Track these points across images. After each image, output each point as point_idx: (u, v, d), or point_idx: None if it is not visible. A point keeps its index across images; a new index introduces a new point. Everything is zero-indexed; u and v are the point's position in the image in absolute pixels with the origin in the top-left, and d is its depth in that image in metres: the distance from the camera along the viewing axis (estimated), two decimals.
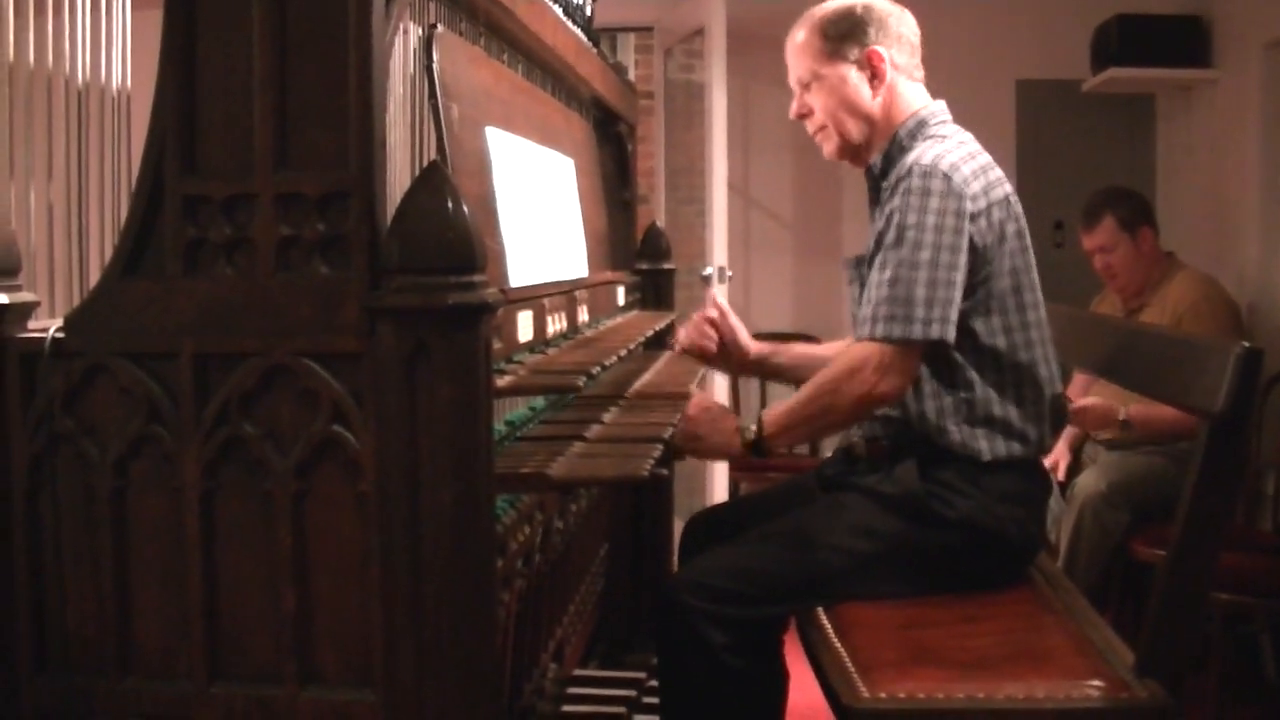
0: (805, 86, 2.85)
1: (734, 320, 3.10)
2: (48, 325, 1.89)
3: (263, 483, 1.82)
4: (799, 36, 2.84)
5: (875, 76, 2.77)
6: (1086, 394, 4.56)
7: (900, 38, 2.79)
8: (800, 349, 3.24)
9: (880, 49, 2.76)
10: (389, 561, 1.76)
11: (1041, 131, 6.11)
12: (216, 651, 1.86)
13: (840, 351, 2.74)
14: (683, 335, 3.05)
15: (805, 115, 2.88)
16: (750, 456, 2.73)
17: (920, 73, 2.84)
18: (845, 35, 2.78)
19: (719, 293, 5.27)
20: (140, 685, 1.88)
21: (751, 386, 6.12)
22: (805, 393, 2.66)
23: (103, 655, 1.89)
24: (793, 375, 3.17)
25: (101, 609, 1.88)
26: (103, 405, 1.86)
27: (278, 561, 1.82)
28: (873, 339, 2.55)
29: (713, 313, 3.07)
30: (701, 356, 3.15)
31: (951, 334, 2.55)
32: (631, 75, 5.82)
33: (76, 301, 2.20)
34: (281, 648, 1.84)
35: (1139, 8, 5.62)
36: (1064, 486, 4.38)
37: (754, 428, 2.69)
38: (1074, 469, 4.57)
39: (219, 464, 1.83)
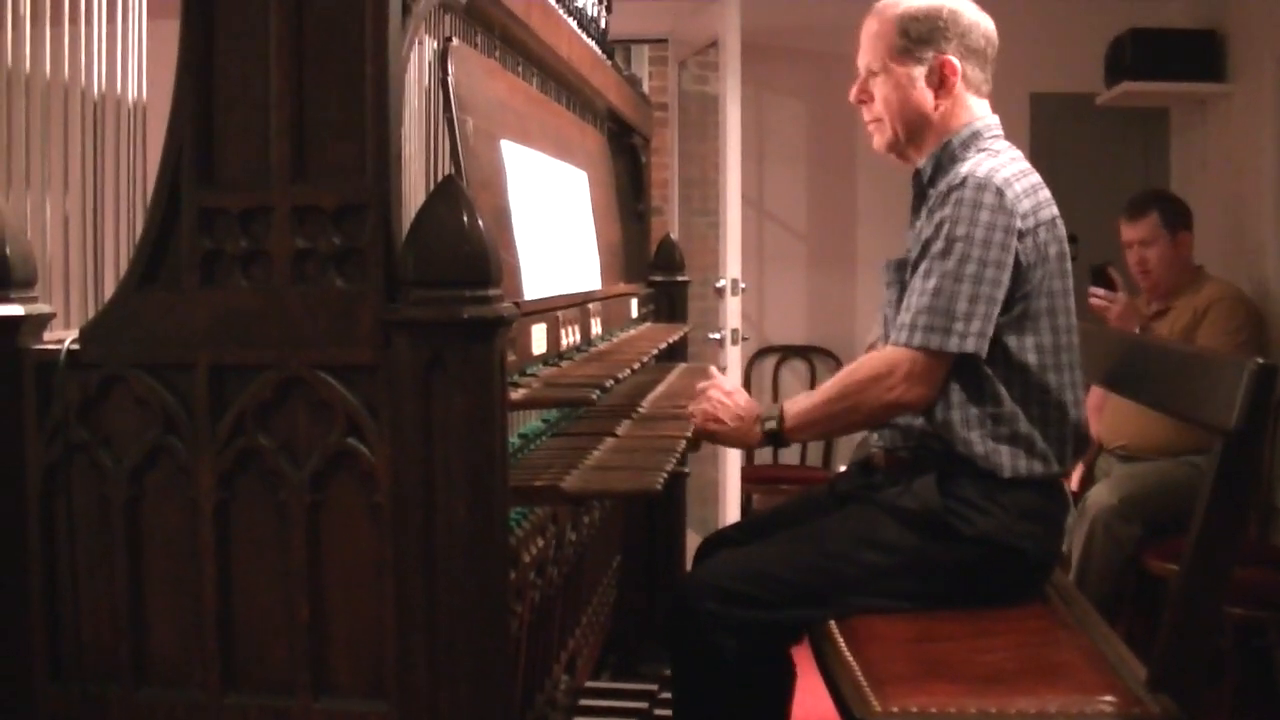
0: (873, 75, 2.80)
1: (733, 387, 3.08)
2: (63, 336, 1.90)
3: (277, 494, 1.82)
4: (877, 21, 2.79)
5: (943, 85, 2.74)
6: (1102, 410, 4.57)
7: (978, 52, 2.77)
8: None
9: (955, 60, 2.73)
10: (403, 573, 1.77)
11: (1055, 145, 6.09)
12: (230, 662, 1.86)
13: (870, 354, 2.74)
14: (693, 409, 3.00)
15: (864, 102, 2.84)
16: (767, 445, 2.74)
17: (988, 87, 2.81)
18: (924, 38, 2.73)
19: (731, 307, 5.28)
20: (154, 695, 1.89)
21: (764, 386, 6.14)
22: (831, 391, 2.67)
23: (117, 664, 1.89)
24: None
25: (116, 618, 1.89)
26: (118, 416, 1.87)
27: (292, 572, 1.83)
28: (908, 346, 2.56)
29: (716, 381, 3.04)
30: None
31: (984, 348, 2.55)
32: (646, 87, 5.83)
33: (92, 313, 2.21)
34: (295, 658, 1.84)
35: (1153, 21, 5.62)
36: (1076, 498, 4.37)
37: (774, 420, 2.70)
38: (1087, 481, 4.56)
39: (234, 475, 1.84)
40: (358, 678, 1.84)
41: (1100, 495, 4.27)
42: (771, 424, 2.70)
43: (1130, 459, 4.48)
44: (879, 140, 2.84)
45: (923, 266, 2.60)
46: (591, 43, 3.32)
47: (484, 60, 2.50)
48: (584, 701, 3.19)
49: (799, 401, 2.73)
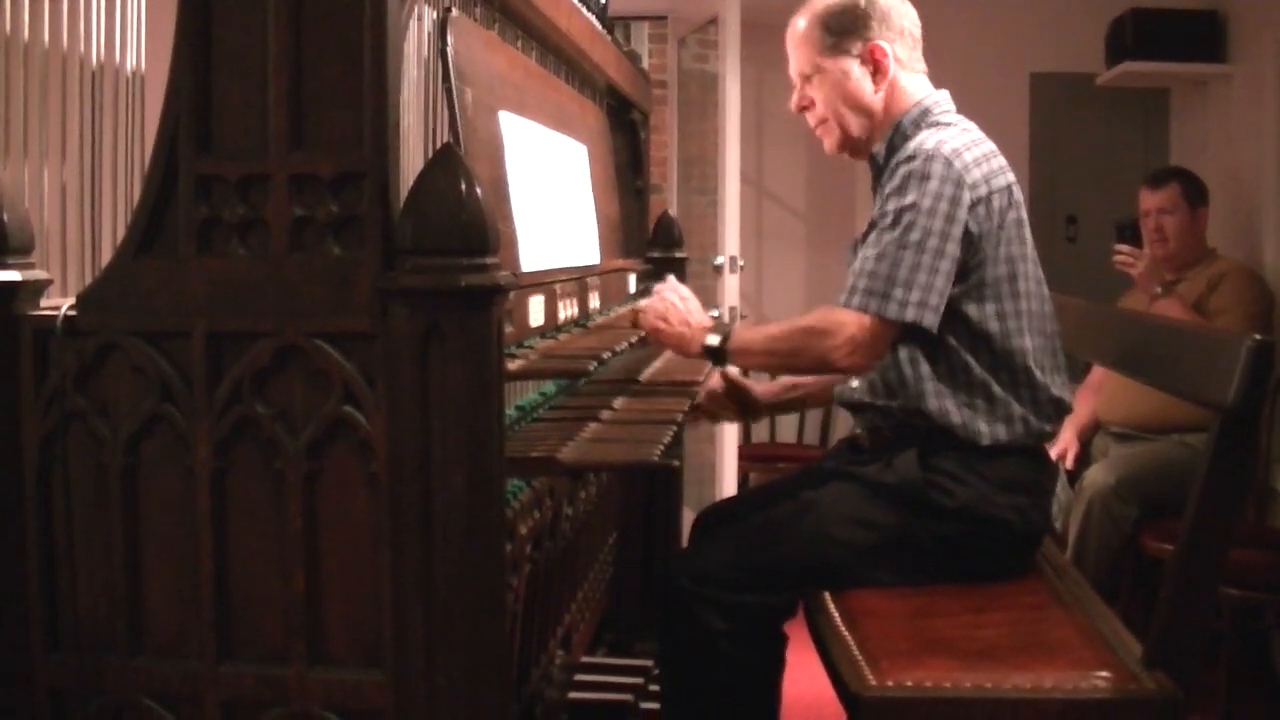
0: (806, 79, 2.81)
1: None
2: (61, 304, 1.90)
3: (274, 463, 1.82)
4: (799, 27, 2.80)
5: (878, 71, 2.74)
6: (1101, 388, 4.57)
7: (903, 31, 2.77)
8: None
9: (883, 44, 2.73)
10: (399, 543, 1.77)
11: (1055, 125, 6.09)
12: (226, 631, 1.86)
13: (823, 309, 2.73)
14: (644, 304, 2.98)
15: (806, 108, 2.85)
16: (705, 359, 2.77)
17: (922, 65, 2.82)
18: (847, 29, 2.74)
19: (730, 284, 5.27)
20: (150, 664, 1.89)
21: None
22: (780, 329, 2.68)
23: (113, 634, 1.89)
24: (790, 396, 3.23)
25: (112, 588, 1.89)
26: (115, 384, 1.86)
27: (288, 542, 1.83)
28: (848, 308, 2.56)
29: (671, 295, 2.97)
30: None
31: (929, 319, 2.54)
32: (645, 65, 5.81)
33: (89, 282, 2.21)
34: (291, 628, 1.84)
35: (1154, 1, 5.60)
36: (1072, 476, 4.37)
37: (719, 337, 2.70)
38: (1083, 461, 4.57)
39: (230, 443, 1.84)
40: (353, 648, 1.84)
41: (1097, 476, 4.27)
42: (715, 340, 2.70)
43: (1128, 438, 4.48)
44: (829, 143, 2.87)
45: (871, 236, 2.61)
46: (592, 17, 3.30)
47: (483, 32, 2.49)
48: (579, 677, 3.19)
49: (748, 330, 2.74)
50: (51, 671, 1.91)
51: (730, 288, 5.23)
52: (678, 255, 4.10)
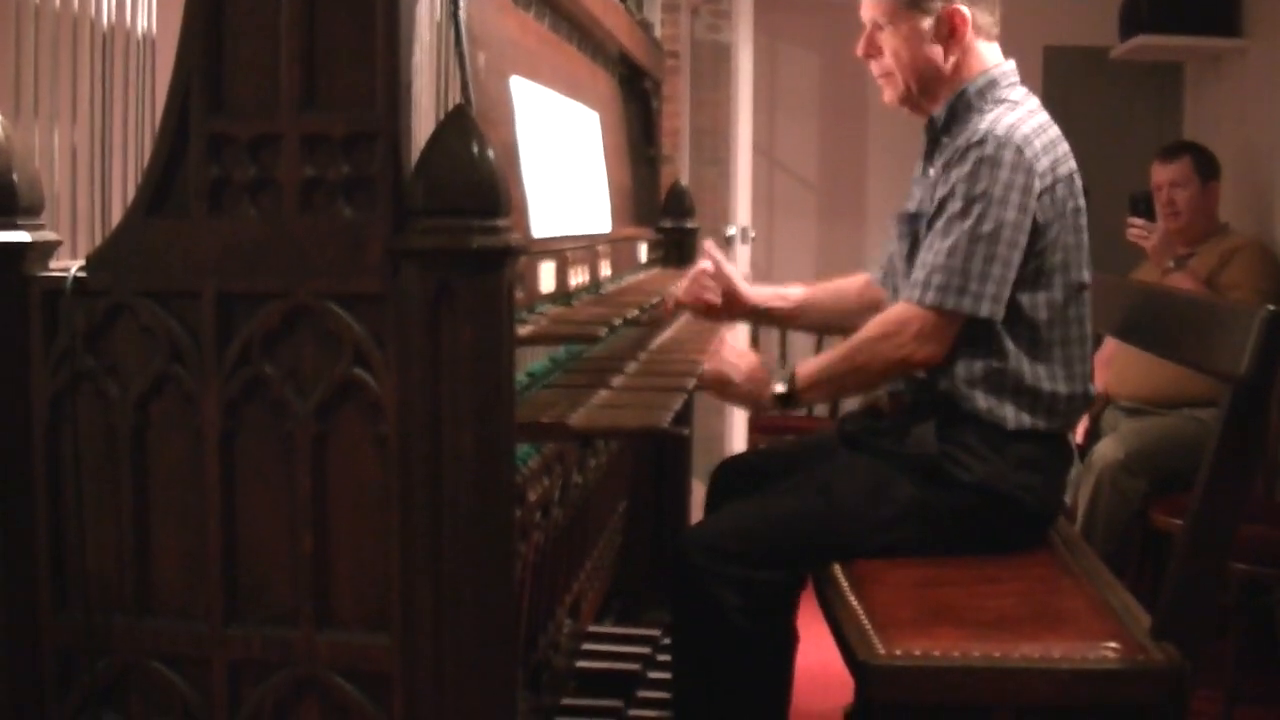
0: (878, 27, 2.73)
1: (729, 269, 3.05)
2: (70, 265, 1.89)
3: (283, 424, 1.81)
4: None
5: (953, 36, 2.68)
6: (1111, 362, 4.57)
7: None
8: (802, 295, 3.17)
9: (964, 9, 2.67)
10: (408, 505, 1.76)
11: (1069, 99, 6.06)
12: (234, 592, 1.86)
13: (878, 313, 2.70)
14: (681, 289, 3.00)
15: (872, 56, 2.78)
16: (779, 409, 2.73)
17: (998, 29, 2.76)
18: None
19: (741, 255, 5.26)
20: (158, 625, 1.88)
21: (772, 335, 6.11)
22: (840, 350, 2.66)
23: (121, 594, 1.89)
24: (800, 322, 3.20)
25: (120, 548, 1.88)
26: (124, 344, 1.86)
27: (297, 503, 1.82)
28: (920, 305, 2.53)
29: (708, 265, 3.02)
30: (704, 311, 3.10)
31: (1000, 312, 2.53)
32: (658, 35, 5.79)
33: (98, 244, 2.20)
34: (299, 590, 1.84)
35: None
36: (1082, 451, 4.37)
37: (786, 382, 2.68)
38: (1092, 436, 4.56)
39: (240, 405, 1.83)
40: (361, 610, 1.84)
41: (1106, 450, 4.27)
42: (782, 386, 2.68)
43: (1138, 412, 4.48)
44: (890, 94, 2.79)
45: (939, 225, 2.57)
46: None
47: None
48: (587, 645, 3.20)
49: (810, 363, 2.72)
50: (58, 631, 1.91)
51: (741, 258, 5.23)
52: (689, 225, 4.10)
